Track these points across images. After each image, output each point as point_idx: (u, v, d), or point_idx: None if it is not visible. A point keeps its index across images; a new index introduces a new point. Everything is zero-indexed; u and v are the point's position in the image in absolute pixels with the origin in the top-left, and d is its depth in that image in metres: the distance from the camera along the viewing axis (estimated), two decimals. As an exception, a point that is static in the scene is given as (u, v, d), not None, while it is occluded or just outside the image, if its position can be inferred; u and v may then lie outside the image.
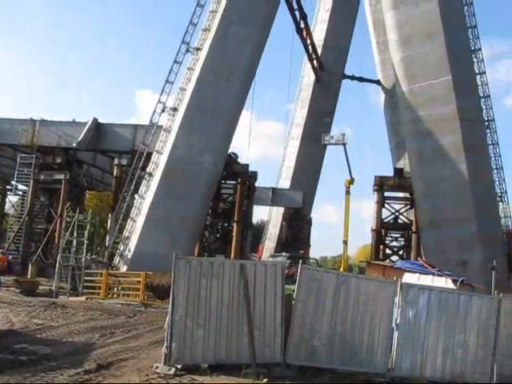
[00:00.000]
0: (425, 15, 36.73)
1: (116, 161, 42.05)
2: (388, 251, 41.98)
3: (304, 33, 49.14)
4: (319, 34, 54.23)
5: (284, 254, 32.37)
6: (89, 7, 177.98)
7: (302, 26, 48.40)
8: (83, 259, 31.38)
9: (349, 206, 39.25)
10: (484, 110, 37.55)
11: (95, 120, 41.70)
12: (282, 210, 53.20)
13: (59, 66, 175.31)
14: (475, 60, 37.75)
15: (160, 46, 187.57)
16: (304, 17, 48.08)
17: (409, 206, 40.96)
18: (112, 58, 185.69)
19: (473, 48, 37.82)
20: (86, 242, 31.83)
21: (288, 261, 29.77)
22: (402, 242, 42.55)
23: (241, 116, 40.15)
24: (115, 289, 30.78)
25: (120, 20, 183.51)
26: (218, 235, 43.59)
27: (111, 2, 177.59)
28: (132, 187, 36.68)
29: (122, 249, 35.76)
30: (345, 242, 38.29)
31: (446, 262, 31.54)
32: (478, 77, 37.70)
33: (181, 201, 35.73)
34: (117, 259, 35.75)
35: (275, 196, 48.73)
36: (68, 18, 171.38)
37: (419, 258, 31.10)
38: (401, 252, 41.83)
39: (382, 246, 41.40)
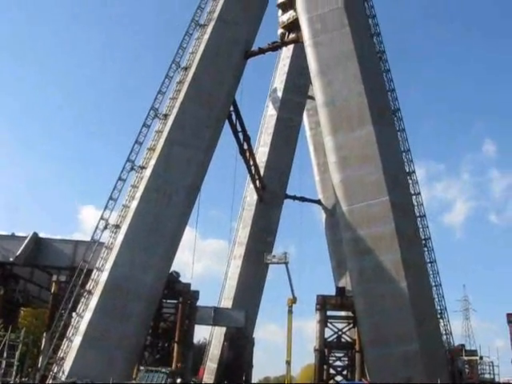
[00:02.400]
0: (361, 140, 38.63)
1: (54, 277, 41.01)
2: (332, 371, 41.16)
3: (247, 154, 50.69)
4: (262, 155, 55.92)
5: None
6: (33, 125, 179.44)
7: (246, 147, 50.03)
8: (12, 383, 29.56)
9: (291, 325, 39.19)
10: (421, 229, 38.77)
11: (35, 234, 41.06)
12: (224, 329, 52.12)
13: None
14: (410, 182, 39.49)
15: (105, 162, 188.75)
16: (247, 139, 49.83)
17: (351, 325, 40.77)
18: (57, 171, 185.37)
19: (408, 170, 39.68)
20: (16, 363, 30.13)
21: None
22: (346, 362, 41.89)
23: (184, 233, 40.24)
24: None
25: (66, 134, 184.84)
26: (158, 356, 41.91)
27: (59, 118, 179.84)
28: (70, 305, 35.48)
29: (55, 370, 33.93)
30: (288, 363, 37.76)
31: (390, 380, 31.24)
32: (414, 197, 39.29)
33: (120, 320, 34.76)
34: (49, 382, 33.85)
35: (217, 315, 47.75)
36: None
37: (363, 378, 30.83)
38: (345, 372, 41.10)
39: (325, 366, 40.62)
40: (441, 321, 37.88)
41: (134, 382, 30.67)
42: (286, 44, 50.31)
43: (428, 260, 38.55)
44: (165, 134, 39.54)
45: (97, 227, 37.60)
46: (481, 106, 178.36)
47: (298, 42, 46.30)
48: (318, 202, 59.60)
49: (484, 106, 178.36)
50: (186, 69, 41.85)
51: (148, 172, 38.46)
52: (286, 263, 39.26)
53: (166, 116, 40.32)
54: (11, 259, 39.62)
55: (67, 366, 33.68)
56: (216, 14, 43.29)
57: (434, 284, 38.22)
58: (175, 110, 40.30)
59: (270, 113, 57.38)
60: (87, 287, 35.84)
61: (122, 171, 38.65)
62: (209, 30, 42.90)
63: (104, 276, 35.72)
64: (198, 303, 43.15)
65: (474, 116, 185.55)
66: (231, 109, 45.65)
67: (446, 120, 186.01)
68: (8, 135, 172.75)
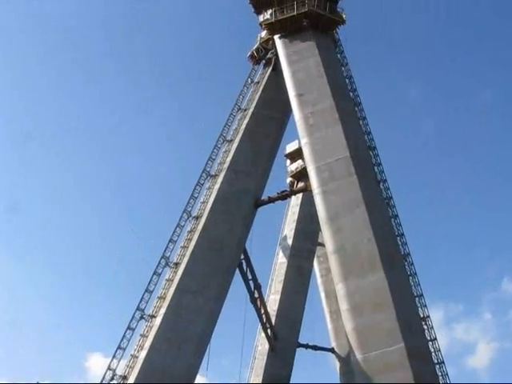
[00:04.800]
0: (373, 286, 38.15)
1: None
2: None
3: (258, 302, 50.11)
4: (273, 303, 55.31)
5: None
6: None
7: (257, 295, 49.58)
8: None
9: None
10: (440, 377, 37.23)
11: (37, 385, 39.97)
12: None
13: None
14: (426, 327, 38.55)
15: (115, 309, 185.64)
16: (258, 287, 49.50)
17: None
18: (65, 316, 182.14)
19: (422, 315, 38.87)
20: None
21: None
22: None
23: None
24: None
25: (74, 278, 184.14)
26: None
27: (67, 261, 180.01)
28: None
29: None
30: None
31: None
32: (430, 343, 38.15)
33: None
34: None
35: None
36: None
37: None
38: None
39: None
40: None
41: None
42: (294, 193, 51.66)
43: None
44: (175, 282, 39.44)
45: (103, 378, 36.56)
46: (494, 245, 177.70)
47: (307, 191, 47.41)
48: (332, 350, 58.17)
49: (496, 244, 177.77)
50: (196, 218, 42.63)
51: (158, 321, 37.91)
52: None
53: (176, 264, 40.50)
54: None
55: None
56: (227, 165, 44.84)
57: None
58: (186, 259, 40.48)
59: (281, 260, 57.54)
60: None
61: (131, 320, 38.24)
62: (219, 179, 44.24)
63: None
64: None
65: (489, 254, 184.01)
66: (242, 257, 45.84)
67: (460, 260, 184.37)
68: (11, 266, 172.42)
